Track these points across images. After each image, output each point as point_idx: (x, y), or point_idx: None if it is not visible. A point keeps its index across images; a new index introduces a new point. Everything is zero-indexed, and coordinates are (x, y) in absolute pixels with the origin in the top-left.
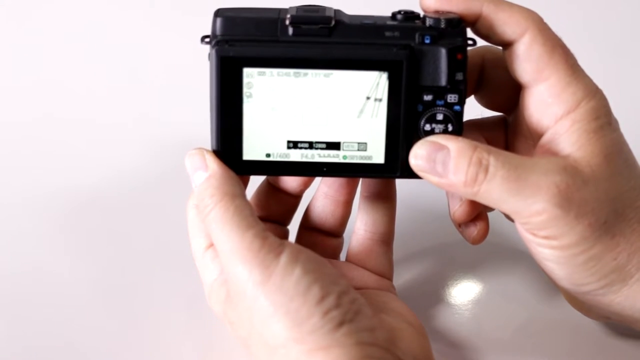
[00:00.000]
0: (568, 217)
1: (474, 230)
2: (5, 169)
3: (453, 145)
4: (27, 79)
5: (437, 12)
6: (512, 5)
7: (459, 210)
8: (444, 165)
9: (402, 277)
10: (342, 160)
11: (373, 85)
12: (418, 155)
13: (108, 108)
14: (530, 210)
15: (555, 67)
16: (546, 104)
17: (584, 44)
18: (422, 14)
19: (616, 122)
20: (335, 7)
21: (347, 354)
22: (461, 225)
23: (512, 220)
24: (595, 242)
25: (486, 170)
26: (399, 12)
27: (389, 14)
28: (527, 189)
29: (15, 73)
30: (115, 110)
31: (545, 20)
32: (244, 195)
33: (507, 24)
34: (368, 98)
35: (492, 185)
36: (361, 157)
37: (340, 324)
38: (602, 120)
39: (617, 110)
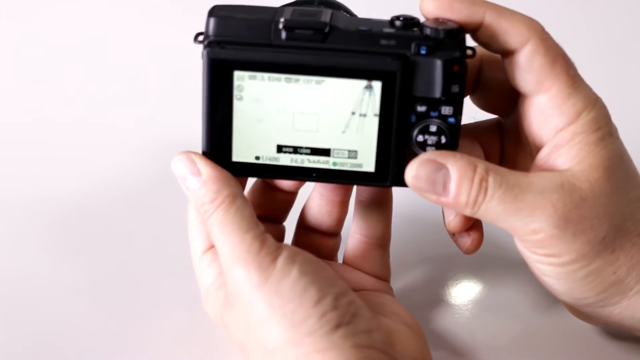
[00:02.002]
0: (565, 235)
1: (468, 240)
2: (3, 171)
3: (453, 165)
4: (23, 81)
5: (437, 19)
6: (514, 13)
7: (453, 220)
8: (444, 186)
9: (401, 279)
10: (331, 167)
11: (363, 97)
12: (417, 176)
13: (106, 109)
14: (527, 230)
15: (557, 78)
16: (546, 115)
17: (583, 47)
18: (422, 19)
19: (616, 130)
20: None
21: (344, 356)
22: (455, 234)
23: None
24: (595, 257)
25: (485, 191)
26: (398, 17)
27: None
28: (524, 209)
29: (11, 74)
30: (113, 111)
31: (545, 24)
32: (243, 196)
33: (509, 33)
34: (353, 113)
35: (490, 206)
36: (351, 165)
37: (338, 326)
38: (603, 130)
39: (616, 115)
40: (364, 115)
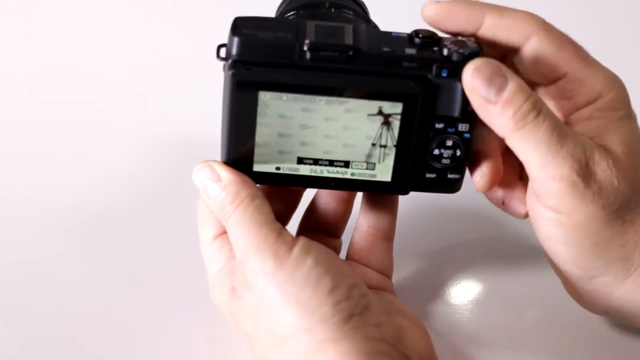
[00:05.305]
0: (586, 191)
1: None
2: (7, 173)
3: (513, 78)
4: (23, 80)
5: (456, 38)
6: (513, 10)
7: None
8: (498, 89)
9: (402, 276)
10: (350, 177)
11: (382, 131)
12: (480, 70)
13: (105, 110)
14: (554, 172)
15: (569, 62)
16: (565, 98)
17: (588, 44)
18: (439, 34)
19: (635, 115)
20: None
21: (356, 347)
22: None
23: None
24: (606, 225)
25: (538, 113)
26: (418, 34)
27: (407, 32)
28: (563, 149)
29: (11, 74)
30: (112, 110)
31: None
32: (262, 195)
33: (512, 30)
34: (374, 145)
35: (537, 130)
36: (369, 175)
37: (350, 316)
38: (622, 111)
39: None
40: (384, 147)
